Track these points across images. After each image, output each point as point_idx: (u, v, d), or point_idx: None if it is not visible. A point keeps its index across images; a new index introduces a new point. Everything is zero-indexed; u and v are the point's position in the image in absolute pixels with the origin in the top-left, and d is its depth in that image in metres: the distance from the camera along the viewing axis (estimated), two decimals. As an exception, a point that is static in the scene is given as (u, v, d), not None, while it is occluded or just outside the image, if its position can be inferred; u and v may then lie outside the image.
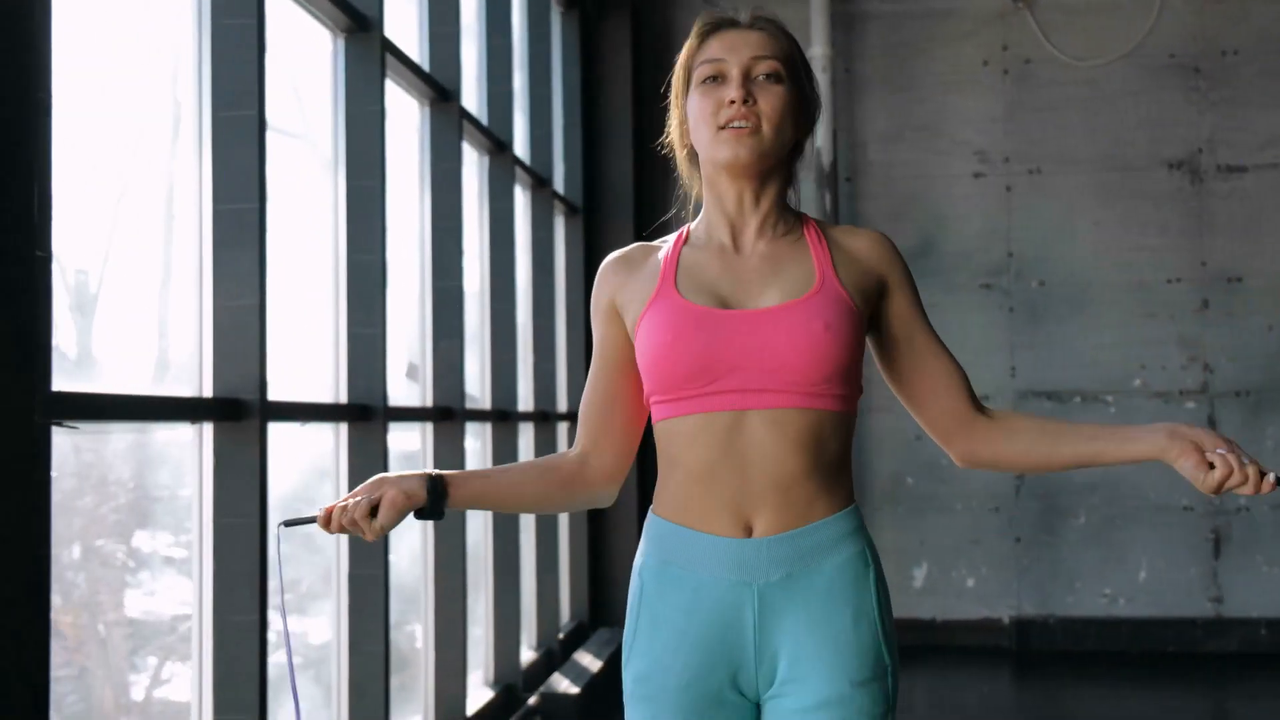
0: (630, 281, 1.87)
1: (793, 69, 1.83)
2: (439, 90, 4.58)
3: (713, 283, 1.83)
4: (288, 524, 1.77)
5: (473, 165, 5.30)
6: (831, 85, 6.99)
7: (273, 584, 2.95)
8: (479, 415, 5.02)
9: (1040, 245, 7.04)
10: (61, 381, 2.89)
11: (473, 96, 5.29)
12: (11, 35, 2.10)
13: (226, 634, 2.91)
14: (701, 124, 1.81)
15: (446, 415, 4.50)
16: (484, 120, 5.30)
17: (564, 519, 6.36)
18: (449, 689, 4.44)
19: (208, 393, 2.98)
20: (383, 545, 3.71)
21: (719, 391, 1.76)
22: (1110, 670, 6.48)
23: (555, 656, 5.92)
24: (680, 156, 1.95)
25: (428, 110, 4.61)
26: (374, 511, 1.74)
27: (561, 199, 6.53)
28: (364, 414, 3.73)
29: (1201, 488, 1.67)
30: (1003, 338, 7.03)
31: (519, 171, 5.74)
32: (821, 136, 6.95)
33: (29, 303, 2.12)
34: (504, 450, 5.32)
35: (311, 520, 1.75)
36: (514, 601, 5.29)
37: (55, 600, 3.02)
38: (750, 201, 1.85)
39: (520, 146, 5.87)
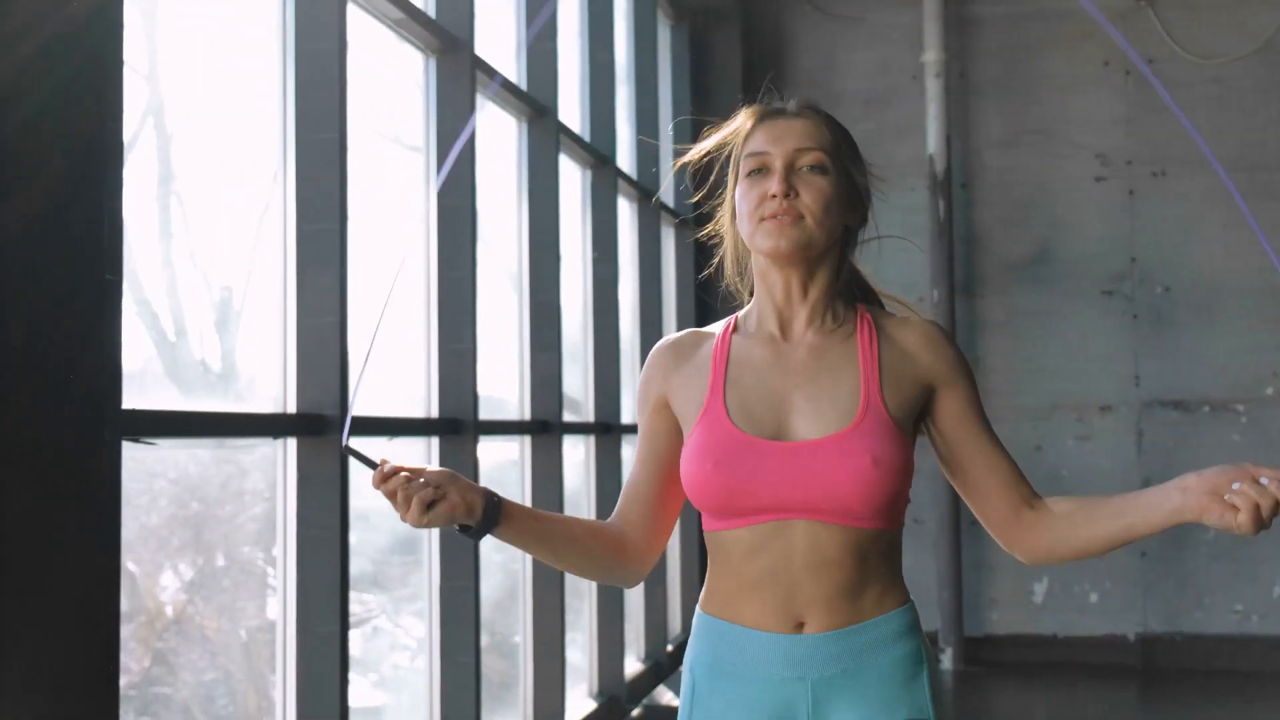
0: (679, 374, 1.86)
1: (838, 158, 1.81)
2: (535, 107, 4.63)
3: (759, 391, 1.80)
4: (349, 450, 1.74)
5: (575, 179, 5.35)
6: (945, 91, 6.88)
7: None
8: (579, 428, 5.05)
9: (1165, 250, 6.83)
10: (206, 398, 3.02)
11: (575, 112, 5.34)
12: (84, 69, 2.19)
13: (309, 644, 2.98)
14: (745, 216, 1.80)
15: (543, 428, 4.54)
16: (586, 135, 5.35)
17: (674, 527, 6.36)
18: (547, 700, 4.48)
19: (291, 409, 3.05)
20: (474, 558, 3.77)
21: (762, 511, 1.74)
22: (1241, 690, 6.24)
23: (664, 668, 5.92)
24: (729, 247, 1.94)
25: (525, 126, 4.67)
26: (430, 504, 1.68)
27: (670, 211, 6.55)
28: (454, 428, 3.78)
29: (1240, 533, 1.59)
30: (1126, 346, 6.83)
31: (623, 184, 5.77)
32: (934, 143, 6.85)
33: (100, 324, 2.20)
34: (607, 462, 5.35)
35: (371, 465, 1.70)
36: (618, 613, 5.31)
37: (200, 606, 3.15)
38: (798, 291, 1.82)
39: (625, 160, 5.91)
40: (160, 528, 3.23)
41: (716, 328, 1.90)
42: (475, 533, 1.74)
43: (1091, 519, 1.76)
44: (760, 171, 1.80)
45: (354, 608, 3.90)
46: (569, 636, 4.82)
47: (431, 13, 3.90)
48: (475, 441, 3.81)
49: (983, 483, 1.82)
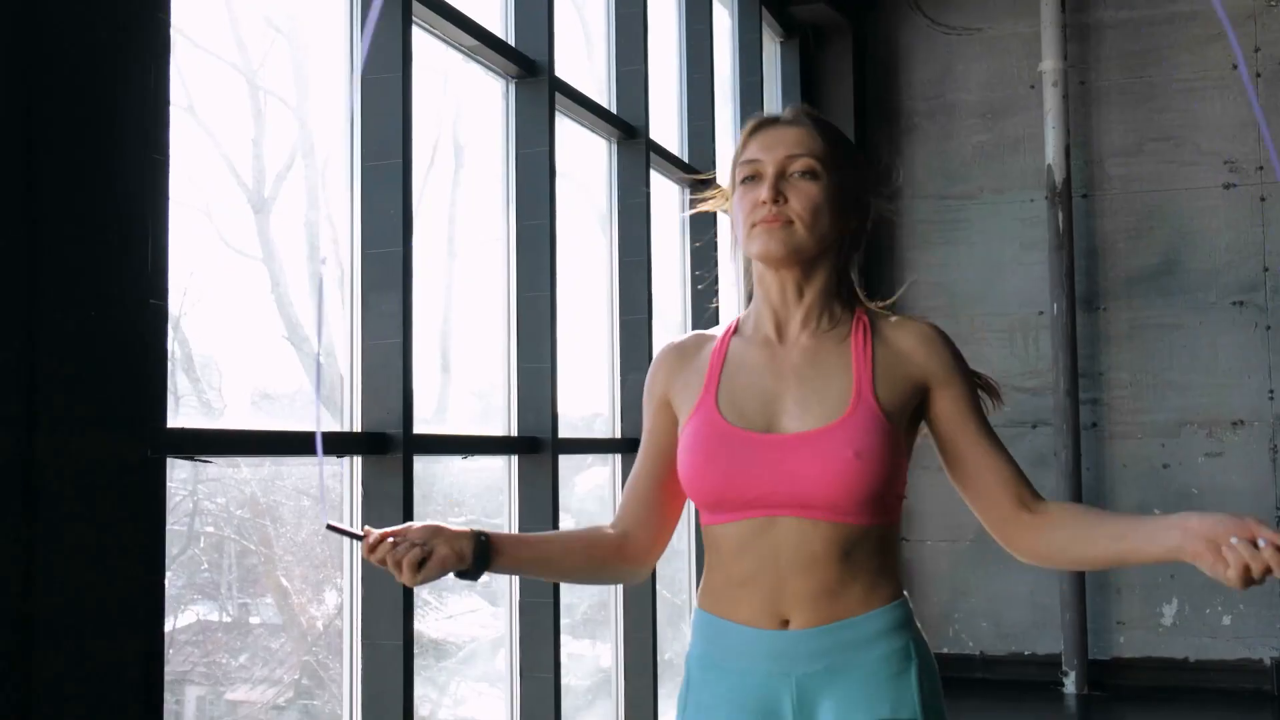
0: (680, 375, 1.92)
1: (830, 163, 1.84)
2: (624, 128, 4.68)
3: (751, 390, 1.84)
4: (331, 528, 1.81)
5: (673, 198, 5.38)
6: (1064, 100, 6.72)
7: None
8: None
9: (1300, 258, 6.54)
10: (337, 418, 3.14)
11: (673, 132, 5.37)
12: (130, 100, 2.30)
13: (374, 656, 3.05)
14: (739, 222, 1.86)
15: (632, 447, 4.55)
16: (684, 155, 5.37)
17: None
18: (638, 717, 4.49)
19: (356, 427, 3.13)
20: (552, 574, 3.80)
21: (750, 506, 1.79)
22: (1385, 719, 5.92)
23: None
24: (733, 251, 1.98)
25: (614, 147, 4.72)
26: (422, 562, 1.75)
27: (781, 228, 6.52)
28: (533, 446, 3.83)
29: (1228, 585, 1.56)
30: (1259, 358, 6.56)
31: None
32: (1052, 153, 6.68)
33: (144, 347, 2.30)
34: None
35: (357, 538, 1.76)
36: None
37: (349, 619, 3.24)
38: (793, 293, 1.87)
39: (727, 178, 5.90)
40: (305, 543, 3.35)
41: (719, 330, 1.96)
42: (470, 574, 1.78)
43: (1089, 537, 1.75)
44: (753, 179, 1.85)
45: (488, 619, 3.98)
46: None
47: (510, 39, 3.98)
48: (554, 460, 3.85)
49: (979, 481, 1.84)
